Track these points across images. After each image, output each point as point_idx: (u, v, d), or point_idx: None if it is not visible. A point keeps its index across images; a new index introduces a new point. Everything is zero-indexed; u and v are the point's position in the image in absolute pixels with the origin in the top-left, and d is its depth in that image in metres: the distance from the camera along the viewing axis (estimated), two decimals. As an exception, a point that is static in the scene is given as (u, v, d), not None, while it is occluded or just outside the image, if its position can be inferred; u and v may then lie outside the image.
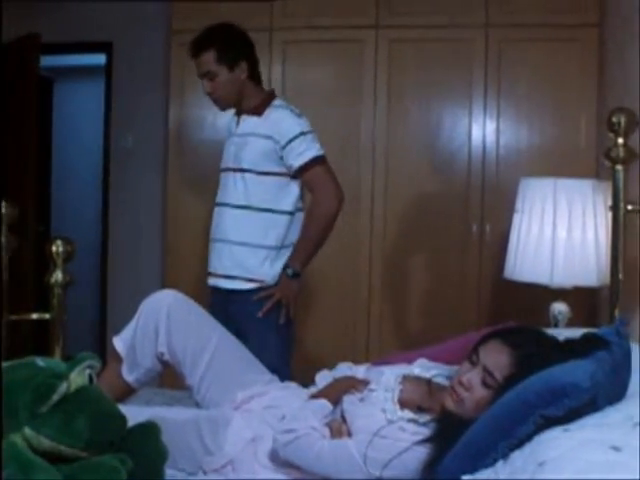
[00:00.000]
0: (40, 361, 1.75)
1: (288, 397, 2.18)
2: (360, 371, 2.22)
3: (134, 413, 1.94)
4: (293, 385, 2.32)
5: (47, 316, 2.75)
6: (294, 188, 3.07)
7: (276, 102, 3.13)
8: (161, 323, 2.32)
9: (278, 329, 2.98)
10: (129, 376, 2.39)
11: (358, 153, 4.31)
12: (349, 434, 1.95)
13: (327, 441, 1.92)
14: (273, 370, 2.45)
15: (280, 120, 3.04)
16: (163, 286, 4.22)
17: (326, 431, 1.95)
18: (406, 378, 2.07)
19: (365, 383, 2.10)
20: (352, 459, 1.85)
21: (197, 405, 2.33)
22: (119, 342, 2.41)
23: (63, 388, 1.64)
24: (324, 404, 2.03)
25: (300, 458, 1.91)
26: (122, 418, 1.79)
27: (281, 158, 3.01)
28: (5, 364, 1.86)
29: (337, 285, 4.35)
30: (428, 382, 2.05)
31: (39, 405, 1.61)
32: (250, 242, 3.02)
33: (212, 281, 3.12)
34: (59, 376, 1.66)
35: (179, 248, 4.58)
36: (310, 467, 1.91)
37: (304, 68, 4.44)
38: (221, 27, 3.19)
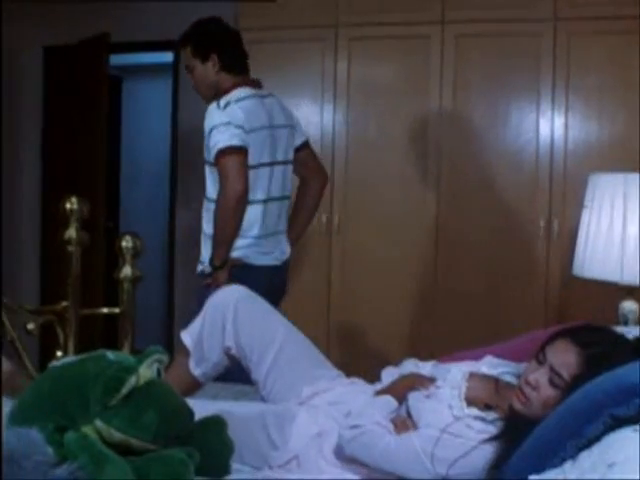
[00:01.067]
0: (110, 355, 1.79)
1: (354, 393, 2.18)
2: (426, 368, 2.21)
3: (201, 407, 1.96)
4: (359, 381, 2.32)
5: (117, 310, 2.81)
6: (261, 176, 3.15)
7: (232, 92, 3.15)
8: (228, 318, 2.34)
9: None
10: (196, 370, 2.41)
11: (425, 150, 4.29)
12: (415, 430, 1.94)
13: (393, 437, 1.91)
14: None
15: (207, 114, 3.12)
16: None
17: (391, 427, 1.95)
18: (473, 376, 2.05)
19: (431, 380, 2.09)
20: (418, 456, 1.85)
21: (263, 400, 2.35)
22: (187, 336, 2.43)
23: (132, 381, 1.67)
24: (390, 401, 2.03)
25: (365, 454, 1.91)
26: (189, 412, 1.81)
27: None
28: (77, 357, 1.91)
29: (401, 282, 4.33)
30: (495, 380, 2.03)
31: (109, 398, 1.64)
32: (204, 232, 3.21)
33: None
34: (129, 370, 1.69)
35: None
36: (375, 463, 1.91)
37: (370, 65, 4.43)
38: (197, 23, 3.37)
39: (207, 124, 3.10)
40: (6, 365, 2.34)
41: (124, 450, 1.66)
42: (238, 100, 3.13)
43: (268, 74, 4.54)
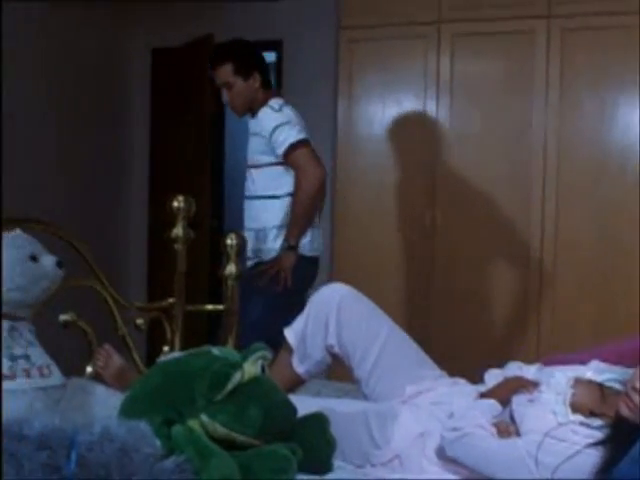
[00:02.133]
0: (216, 351, 1.82)
1: (457, 394, 2.16)
2: (530, 371, 2.17)
3: (303, 404, 1.97)
4: (462, 382, 2.30)
5: (221, 307, 2.85)
6: (291, 174, 3.42)
7: (270, 102, 3.48)
8: (331, 316, 2.35)
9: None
10: (299, 367, 2.43)
11: (529, 147, 4.21)
12: (517, 435, 1.91)
13: (495, 440, 1.89)
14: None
15: (262, 118, 3.44)
16: (331, 280, 4.28)
17: (494, 431, 1.92)
18: (578, 381, 2.01)
19: (535, 384, 2.05)
20: (522, 460, 1.82)
21: (365, 398, 2.35)
22: (290, 334, 2.45)
23: (237, 377, 1.69)
24: (493, 404, 2.00)
25: (467, 456, 1.89)
26: (293, 408, 1.83)
27: (273, 150, 3.39)
28: (184, 353, 1.95)
29: (507, 282, 4.27)
30: (600, 387, 1.98)
31: (215, 393, 1.67)
32: (256, 227, 3.47)
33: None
34: (234, 365, 1.71)
35: (347, 245, 4.63)
36: (477, 466, 1.88)
37: (473, 61, 4.38)
38: (237, 42, 3.61)
39: (265, 126, 3.41)
40: (117, 359, 2.41)
41: (228, 445, 1.68)
42: (284, 104, 3.50)
43: (370, 72, 4.56)
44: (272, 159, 3.44)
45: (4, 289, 1.97)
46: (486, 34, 4.33)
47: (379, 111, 4.53)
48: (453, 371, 2.39)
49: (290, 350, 2.45)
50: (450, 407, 2.06)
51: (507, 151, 4.27)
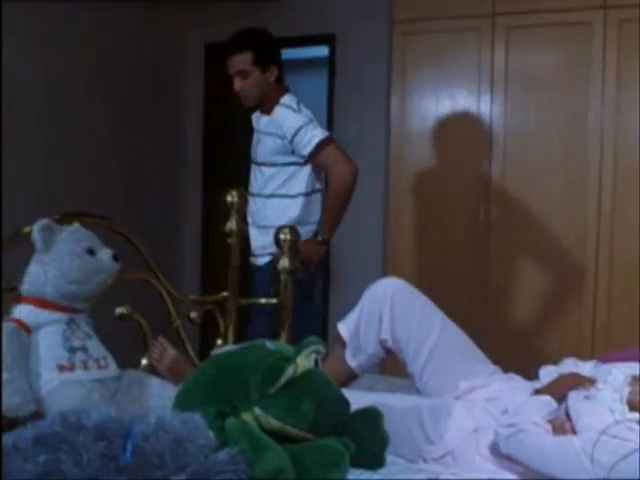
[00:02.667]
0: (270, 344, 1.83)
1: (511, 390, 2.14)
2: (586, 368, 2.14)
3: (356, 398, 1.97)
4: (516, 377, 2.28)
5: (274, 301, 2.87)
6: (305, 173, 3.41)
7: (283, 100, 3.45)
8: (385, 310, 2.34)
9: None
10: (352, 361, 2.43)
11: (585, 141, 4.15)
12: (573, 432, 1.89)
13: (550, 437, 1.86)
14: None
15: (282, 119, 3.39)
16: (384, 274, 4.28)
17: (549, 428, 1.90)
18: (635, 379, 1.97)
19: (591, 381, 2.02)
20: (577, 457, 1.79)
21: (418, 393, 2.34)
22: (344, 328, 2.45)
23: (291, 371, 1.70)
24: (548, 400, 1.98)
25: (522, 453, 1.87)
26: (346, 402, 1.83)
27: (292, 151, 3.36)
28: (238, 346, 1.96)
29: (560, 277, 4.22)
30: (659, 385, 1.95)
31: (268, 386, 1.68)
32: (267, 224, 3.33)
33: (251, 260, 3.51)
34: (287, 359, 1.72)
35: (400, 238, 4.61)
36: (532, 463, 1.86)
37: (528, 54, 4.32)
38: (258, 31, 3.52)
39: (287, 127, 3.36)
40: (171, 352, 2.44)
41: (281, 438, 1.69)
42: (300, 103, 3.50)
43: (424, 66, 4.53)
44: (288, 159, 3.41)
45: (63, 281, 2.01)
46: (541, 26, 4.27)
47: (432, 105, 4.50)
48: (507, 367, 2.37)
49: (343, 344, 2.45)
50: (504, 403, 2.05)
51: (563, 146, 4.21)
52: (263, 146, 3.46)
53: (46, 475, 1.37)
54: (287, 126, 3.37)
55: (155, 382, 2.17)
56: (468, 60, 4.43)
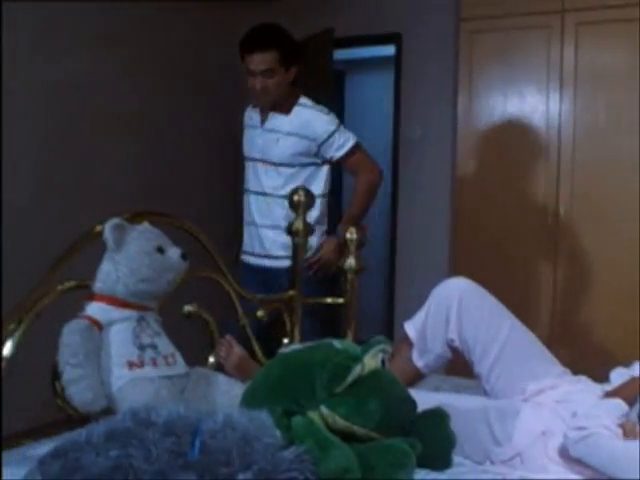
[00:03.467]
0: (337, 343, 1.83)
1: (581, 392, 2.11)
2: (659, 370, 2.10)
3: (423, 398, 1.96)
4: (585, 379, 2.24)
5: (341, 300, 2.87)
6: (323, 174, 3.41)
7: (301, 100, 3.39)
8: (452, 310, 2.33)
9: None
10: (419, 361, 2.42)
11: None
12: (644, 436, 1.85)
13: (621, 441, 1.83)
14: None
15: (313, 120, 3.34)
16: (450, 274, 4.25)
17: (620, 432, 1.86)
18: None
19: (664, 384, 1.98)
20: (649, 462, 1.76)
21: (485, 394, 2.32)
22: (410, 327, 2.45)
23: (358, 370, 1.70)
24: (619, 403, 1.94)
25: (591, 457, 1.84)
26: (412, 402, 1.83)
27: (316, 154, 3.34)
28: (304, 345, 1.97)
29: (631, 280, 4.13)
30: None
31: (335, 385, 1.69)
32: (280, 223, 3.26)
33: (252, 260, 3.45)
34: (354, 358, 1.72)
35: (467, 236, 4.58)
36: (602, 467, 1.83)
37: (598, 50, 4.25)
38: (281, 30, 3.41)
39: (319, 129, 3.33)
40: (238, 350, 2.46)
41: (347, 437, 1.69)
42: (321, 108, 3.43)
43: (491, 64, 4.49)
44: (309, 160, 3.37)
45: (134, 280, 2.04)
46: (611, 22, 4.19)
47: (500, 104, 4.46)
48: (576, 369, 2.34)
49: (410, 344, 2.44)
50: (574, 406, 2.01)
51: (633, 144, 4.13)
52: (283, 146, 3.36)
53: (117, 469, 1.40)
54: (320, 128, 3.34)
55: (222, 380, 2.19)
56: (536, 58, 4.37)
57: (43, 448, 1.62)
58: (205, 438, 1.47)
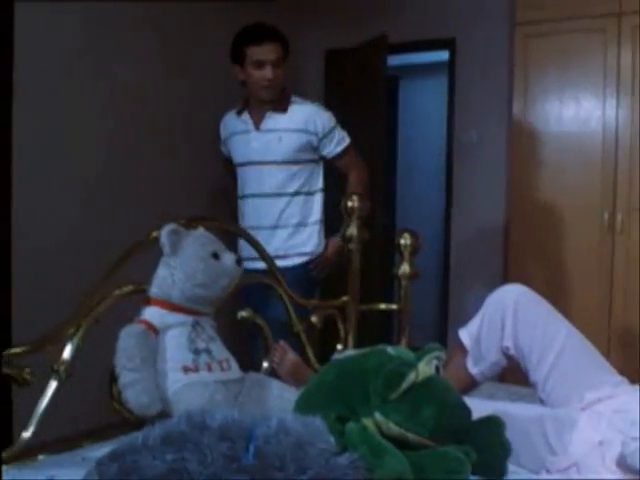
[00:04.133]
0: (391, 350, 1.83)
1: (638, 402, 2.07)
2: None
3: (477, 406, 1.95)
4: (643, 388, 2.20)
5: (394, 307, 2.86)
6: (319, 171, 3.52)
7: (294, 99, 3.46)
8: (508, 317, 2.30)
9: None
10: (474, 369, 2.40)
11: None
12: None
13: (681, 452, 1.79)
14: None
15: (314, 115, 3.42)
16: (505, 280, 4.21)
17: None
18: None
19: None
20: None
21: (541, 402, 2.29)
22: (465, 334, 2.43)
23: (412, 377, 1.69)
24: (680, 412, 1.90)
25: None
26: (467, 410, 1.81)
27: (315, 148, 3.43)
28: (358, 351, 1.97)
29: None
30: None
31: (389, 392, 1.68)
32: (294, 223, 3.44)
33: (255, 265, 2.91)
34: (409, 365, 1.71)
35: (521, 242, 4.53)
36: (661, 477, 1.80)
37: (656, 55, 4.19)
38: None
39: (320, 124, 3.42)
40: (292, 356, 2.46)
41: (401, 444, 1.68)
42: (318, 103, 3.57)
43: (547, 68, 4.45)
44: (310, 156, 3.47)
45: (189, 285, 2.06)
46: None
47: (556, 109, 4.41)
48: (634, 378, 2.30)
49: (464, 351, 2.42)
50: (632, 415, 1.98)
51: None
52: (287, 143, 3.42)
53: (172, 472, 1.41)
54: (321, 123, 3.42)
55: (276, 385, 2.20)
56: (592, 62, 4.32)
57: (101, 450, 1.65)
58: (259, 443, 1.48)
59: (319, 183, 3.53)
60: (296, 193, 3.49)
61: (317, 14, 5.70)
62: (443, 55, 5.55)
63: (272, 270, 2.59)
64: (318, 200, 3.53)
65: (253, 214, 3.48)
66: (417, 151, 6.92)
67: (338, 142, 3.47)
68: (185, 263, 2.06)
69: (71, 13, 3.91)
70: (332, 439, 1.60)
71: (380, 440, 1.65)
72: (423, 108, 6.95)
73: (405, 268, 2.82)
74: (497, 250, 5.00)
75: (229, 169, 3.72)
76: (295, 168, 3.44)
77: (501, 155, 5.00)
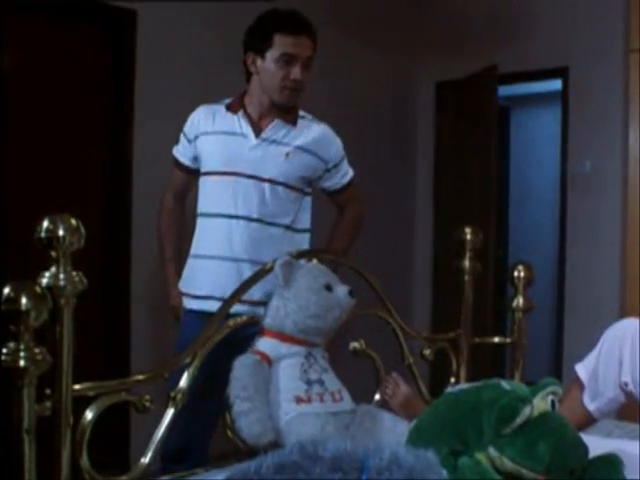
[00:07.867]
0: (505, 384, 1.80)
1: None
2: None
3: (594, 444, 1.90)
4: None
5: (508, 340, 2.82)
6: (308, 206, 2.91)
7: (302, 113, 2.86)
8: (625, 351, 2.24)
9: None
10: (590, 405, 2.34)
11: None
12: None
13: None
14: None
15: (326, 138, 2.87)
16: (622, 314, 4.09)
17: None
18: None
19: None
20: None
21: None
22: (581, 369, 2.38)
23: (527, 412, 1.67)
24: None
25: None
26: (584, 447, 1.76)
27: (314, 179, 2.88)
28: (472, 384, 1.95)
29: None
30: None
31: (503, 426, 1.66)
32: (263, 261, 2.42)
33: (214, 305, 2.43)
34: (524, 400, 1.69)
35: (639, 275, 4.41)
36: None
37: None
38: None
39: (335, 151, 2.90)
40: (404, 388, 2.45)
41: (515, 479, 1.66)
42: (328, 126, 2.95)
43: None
44: (304, 187, 2.88)
45: (302, 316, 2.09)
46: None
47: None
48: None
49: (581, 386, 2.37)
50: None
51: None
52: (295, 163, 2.79)
53: (285, 502, 1.43)
54: (334, 150, 2.89)
55: (388, 417, 2.19)
56: None
57: (215, 478, 1.68)
58: (372, 475, 1.48)
59: (308, 221, 2.92)
60: (287, 227, 2.83)
61: (428, 46, 5.71)
62: (556, 84, 5.47)
63: (383, 300, 2.58)
64: (305, 242, 2.90)
65: (220, 238, 2.78)
66: (530, 181, 6.82)
67: (345, 173, 2.95)
68: (298, 295, 2.10)
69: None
70: (445, 473, 1.59)
71: (493, 475, 1.63)
72: (536, 138, 6.86)
73: (519, 301, 2.77)
74: (614, 282, 4.86)
75: (183, 179, 2.99)
76: (294, 195, 2.82)
77: (617, 184, 4.87)
